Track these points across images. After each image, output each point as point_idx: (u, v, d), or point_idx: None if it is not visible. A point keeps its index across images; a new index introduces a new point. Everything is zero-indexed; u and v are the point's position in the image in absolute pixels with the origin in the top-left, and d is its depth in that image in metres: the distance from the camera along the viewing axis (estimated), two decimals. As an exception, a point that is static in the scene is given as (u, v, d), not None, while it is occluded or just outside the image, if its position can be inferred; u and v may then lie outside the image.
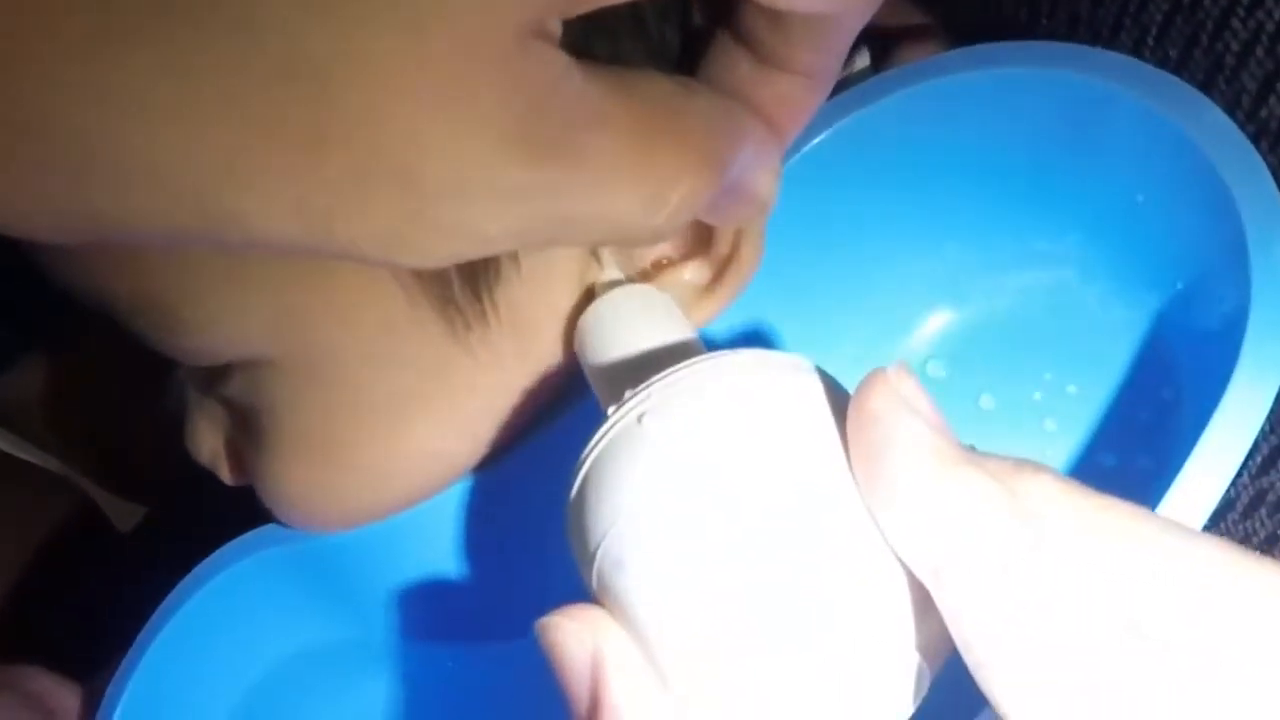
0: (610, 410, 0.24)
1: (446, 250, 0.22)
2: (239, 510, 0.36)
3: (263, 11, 0.19)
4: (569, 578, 0.36)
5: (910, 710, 0.23)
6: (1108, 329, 0.35)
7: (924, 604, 0.22)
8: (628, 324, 0.29)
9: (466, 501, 0.34)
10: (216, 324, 0.30)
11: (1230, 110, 0.32)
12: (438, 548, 0.35)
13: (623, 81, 0.23)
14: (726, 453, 0.23)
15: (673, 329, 0.29)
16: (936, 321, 0.36)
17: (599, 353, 0.29)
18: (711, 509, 0.22)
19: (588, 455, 0.24)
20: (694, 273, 0.31)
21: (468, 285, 0.30)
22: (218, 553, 0.35)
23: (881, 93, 0.33)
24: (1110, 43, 0.37)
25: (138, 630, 0.35)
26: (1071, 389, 0.35)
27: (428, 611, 0.36)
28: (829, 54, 0.26)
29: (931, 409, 0.22)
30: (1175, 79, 0.31)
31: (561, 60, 0.21)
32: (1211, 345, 0.31)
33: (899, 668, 0.22)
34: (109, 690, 0.34)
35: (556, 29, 0.22)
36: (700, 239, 0.31)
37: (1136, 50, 0.36)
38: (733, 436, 0.23)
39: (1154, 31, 0.35)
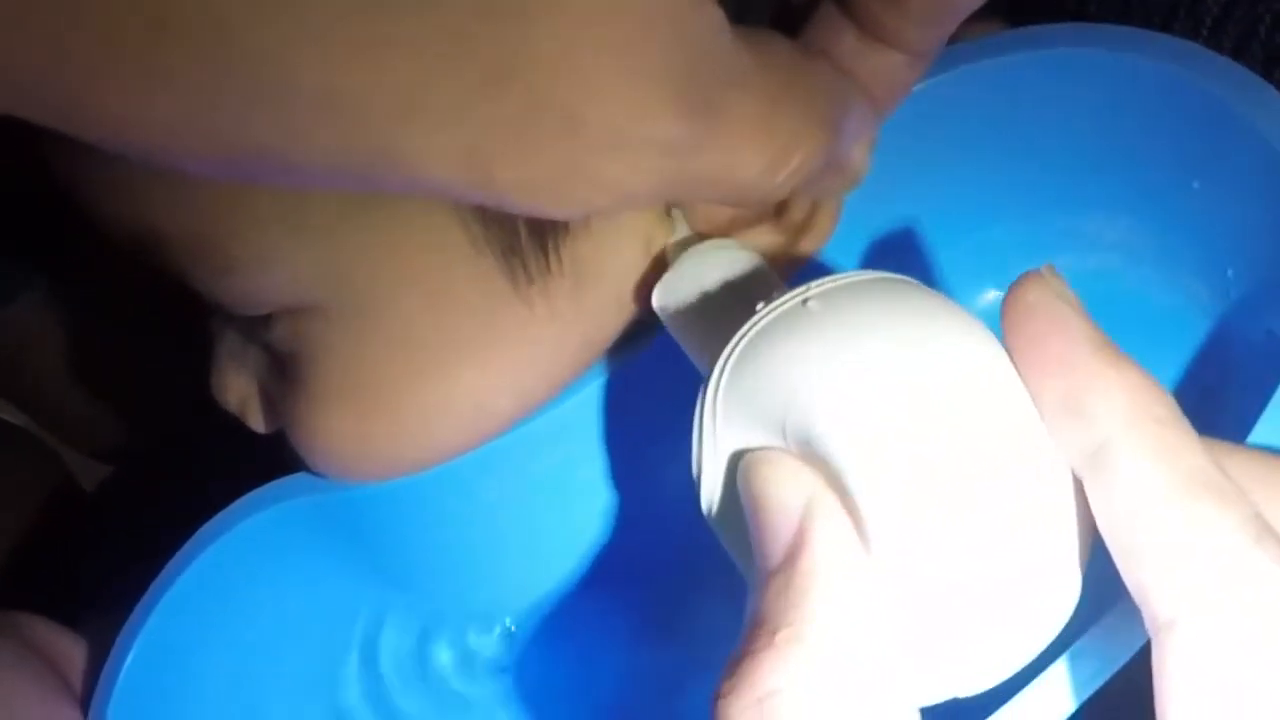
0: (760, 305, 0.25)
1: (592, 201, 0.22)
2: (225, 469, 0.35)
3: None
4: (608, 528, 0.35)
5: (1071, 608, 0.23)
6: (1153, 315, 0.35)
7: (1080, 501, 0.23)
8: (721, 272, 0.29)
9: (505, 456, 0.33)
10: (271, 264, 0.29)
11: (1288, 103, 0.32)
12: (474, 502, 0.34)
13: (754, 41, 0.23)
14: (901, 335, 0.23)
15: (765, 277, 0.29)
16: (983, 302, 0.36)
17: (693, 296, 0.29)
18: (899, 385, 0.23)
19: (741, 338, 0.25)
20: (766, 238, 0.31)
21: (534, 237, 0.30)
22: (240, 501, 0.34)
23: (936, 70, 0.33)
24: (1162, 31, 0.36)
25: (123, 586, 0.34)
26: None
27: (461, 567, 0.36)
28: (937, 35, 0.27)
29: (1081, 304, 0.23)
30: (1239, 66, 0.31)
31: (720, 17, 0.22)
32: (1260, 336, 0.31)
33: (1068, 566, 0.23)
34: (119, 639, 0.33)
35: None
36: (772, 207, 0.31)
37: (1190, 40, 0.36)
38: (903, 322, 0.24)
39: (1209, 22, 0.35)
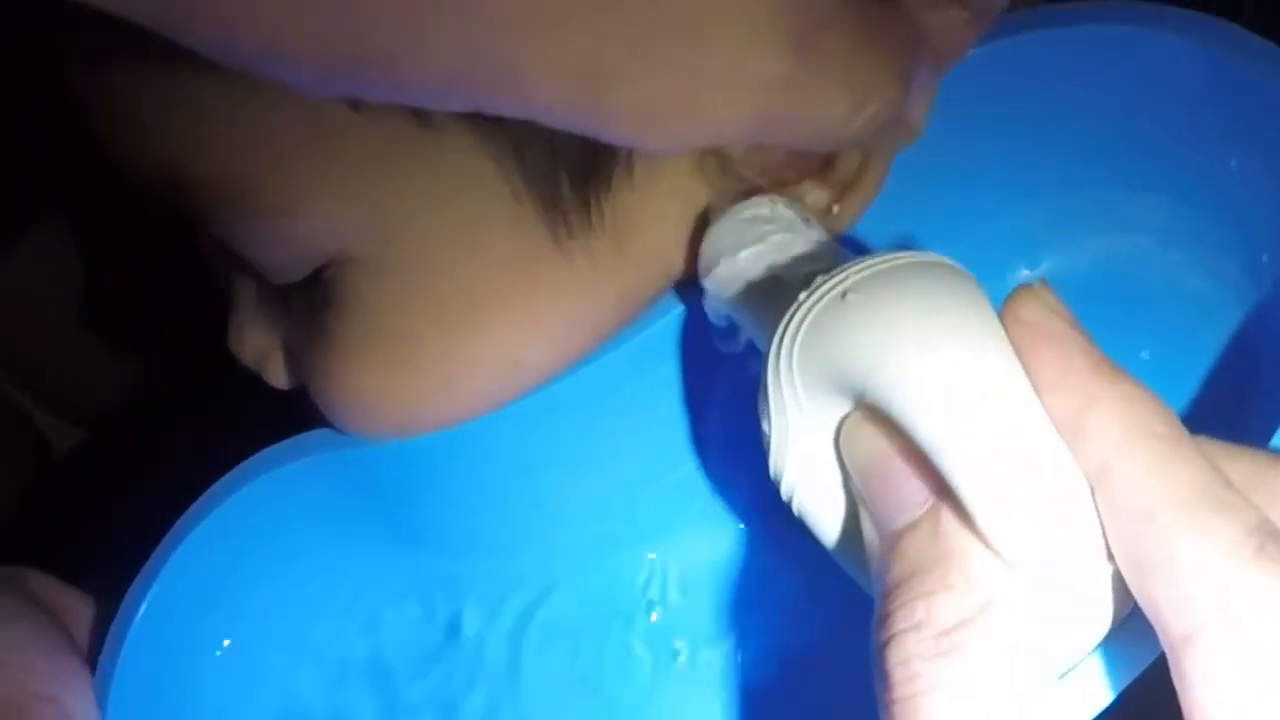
0: (802, 295, 0.25)
1: (689, 133, 0.23)
2: (221, 432, 0.35)
3: None
4: (637, 489, 0.35)
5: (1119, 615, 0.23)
6: (1184, 299, 0.35)
7: None
8: (769, 226, 0.29)
9: (533, 414, 0.33)
10: (304, 209, 0.29)
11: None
12: (498, 461, 0.34)
13: None
14: (942, 329, 0.24)
15: (813, 237, 0.29)
16: (1012, 281, 0.36)
17: (737, 250, 0.29)
18: (960, 378, 0.23)
19: (809, 311, 0.25)
20: (812, 195, 0.31)
21: (576, 189, 0.29)
22: (257, 456, 0.33)
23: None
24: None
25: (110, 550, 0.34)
26: (1145, 354, 0.34)
27: (483, 527, 0.35)
28: None
29: (1075, 319, 0.24)
30: (1276, 47, 0.31)
31: None
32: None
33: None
34: (130, 591, 0.32)
35: None
36: (819, 162, 0.31)
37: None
38: (941, 313, 0.24)
39: (1250, 5, 0.35)
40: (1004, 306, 0.24)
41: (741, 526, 0.36)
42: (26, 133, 0.49)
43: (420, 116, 0.27)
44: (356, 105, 0.27)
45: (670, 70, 0.21)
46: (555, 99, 0.21)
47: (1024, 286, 0.24)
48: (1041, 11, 0.33)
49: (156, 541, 0.33)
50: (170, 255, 0.51)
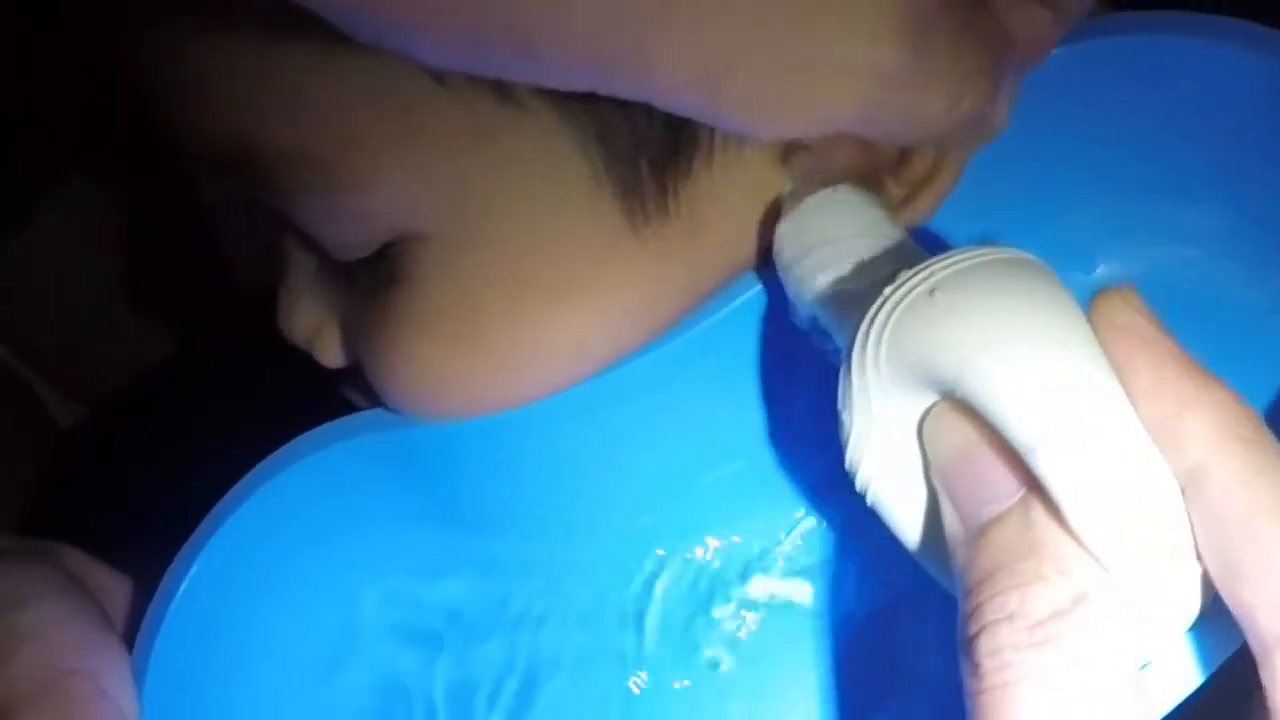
0: (888, 289, 0.25)
1: (800, 124, 0.23)
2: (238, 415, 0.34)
3: None
4: (688, 481, 0.35)
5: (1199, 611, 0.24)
6: (1235, 309, 0.35)
7: None
8: (846, 218, 0.29)
9: (588, 401, 0.32)
10: (377, 183, 0.28)
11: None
12: (550, 447, 0.33)
13: None
14: (1035, 329, 0.24)
15: (890, 231, 0.29)
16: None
17: (814, 240, 0.29)
18: (1055, 379, 0.23)
19: (873, 328, 0.25)
20: (885, 192, 0.31)
21: (655, 175, 0.29)
22: (305, 435, 0.33)
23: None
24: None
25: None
26: (1193, 362, 0.35)
27: (531, 513, 0.35)
28: None
29: (1160, 322, 0.24)
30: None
31: None
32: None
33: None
34: (170, 569, 0.32)
35: None
36: (895, 158, 0.31)
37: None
38: (1032, 312, 0.24)
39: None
40: (1093, 308, 0.24)
41: (799, 520, 0.36)
42: (39, 112, 0.49)
43: (502, 92, 0.27)
44: (440, 78, 0.27)
45: (788, 57, 0.22)
46: (678, 80, 0.21)
47: (1111, 289, 0.24)
48: (1097, 20, 0.34)
49: (163, 528, 0.33)
50: (180, 239, 0.51)
